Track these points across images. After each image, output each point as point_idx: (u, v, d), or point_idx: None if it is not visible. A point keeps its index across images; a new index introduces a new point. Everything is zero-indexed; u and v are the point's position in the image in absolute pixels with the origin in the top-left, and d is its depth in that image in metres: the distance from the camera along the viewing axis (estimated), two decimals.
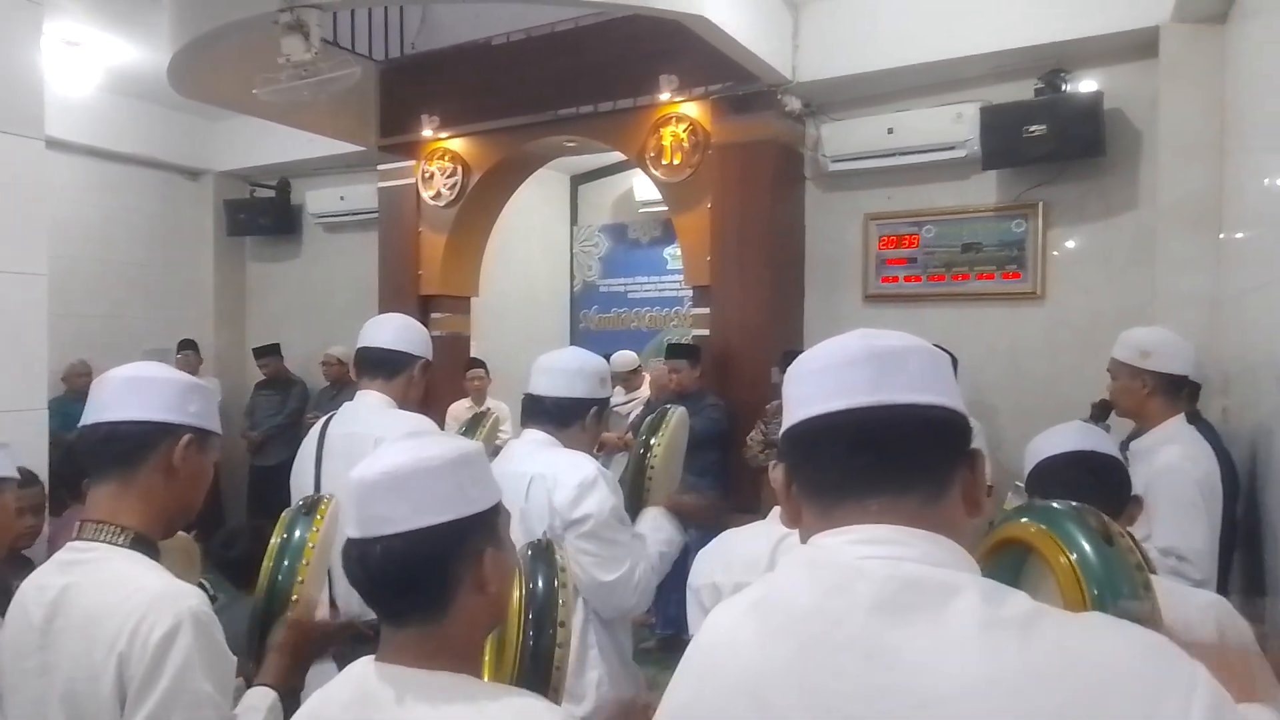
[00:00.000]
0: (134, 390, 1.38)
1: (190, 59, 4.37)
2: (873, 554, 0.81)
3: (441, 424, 5.69)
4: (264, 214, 7.18)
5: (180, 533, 1.64)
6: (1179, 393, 2.58)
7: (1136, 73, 4.11)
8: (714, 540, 1.82)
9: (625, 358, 6.09)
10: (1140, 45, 3.97)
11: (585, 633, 1.98)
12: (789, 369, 0.93)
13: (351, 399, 2.37)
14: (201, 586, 2.69)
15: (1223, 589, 2.64)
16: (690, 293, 5.51)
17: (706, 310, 5.06)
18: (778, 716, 0.80)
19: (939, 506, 0.84)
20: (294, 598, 1.50)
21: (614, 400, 6.01)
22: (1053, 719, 0.70)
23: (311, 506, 1.61)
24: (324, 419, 2.39)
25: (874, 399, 0.83)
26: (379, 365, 2.32)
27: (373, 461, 1.06)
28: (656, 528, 2.16)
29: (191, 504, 1.45)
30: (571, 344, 7.65)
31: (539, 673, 1.33)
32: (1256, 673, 1.04)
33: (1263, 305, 2.81)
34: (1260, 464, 2.76)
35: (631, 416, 5.55)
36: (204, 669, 1.23)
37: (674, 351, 4.97)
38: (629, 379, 6.10)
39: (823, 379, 0.86)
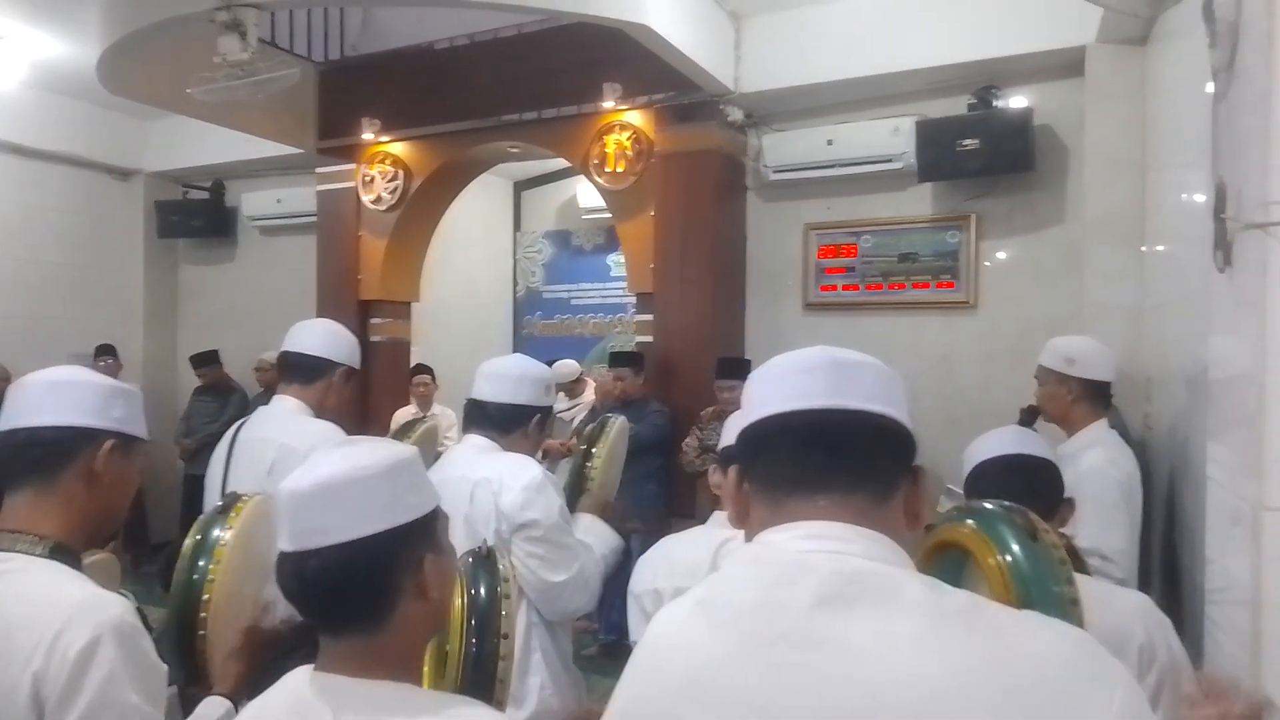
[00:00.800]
0: (54, 394, 1.33)
1: (121, 56, 4.24)
2: (818, 549, 0.83)
3: (386, 431, 5.61)
4: (197, 216, 6.99)
5: (99, 552, 1.59)
6: (1102, 399, 2.68)
7: (1064, 91, 4.26)
8: (654, 546, 1.83)
9: (567, 367, 6.08)
10: (1068, 64, 4.12)
11: (528, 637, 1.98)
12: (751, 374, 0.97)
13: None
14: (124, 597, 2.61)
15: (1143, 586, 2.75)
16: (634, 300, 5.53)
17: (650, 317, 5.08)
18: (724, 712, 0.81)
19: (882, 510, 0.87)
20: (205, 598, 1.47)
21: (557, 407, 6.00)
22: (991, 707, 0.72)
23: (227, 506, 1.59)
24: (237, 424, 2.35)
25: (831, 402, 0.87)
26: (297, 370, 2.29)
27: (305, 472, 1.04)
28: (593, 533, 2.17)
29: (115, 512, 1.40)
30: (514, 350, 7.65)
31: (482, 682, 1.32)
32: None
33: (1181, 316, 2.93)
34: (1177, 467, 2.88)
35: (575, 422, 5.55)
36: (131, 681, 1.18)
37: (618, 359, 4.99)
38: (572, 387, 6.10)
39: (783, 384, 0.91)
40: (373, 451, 1.07)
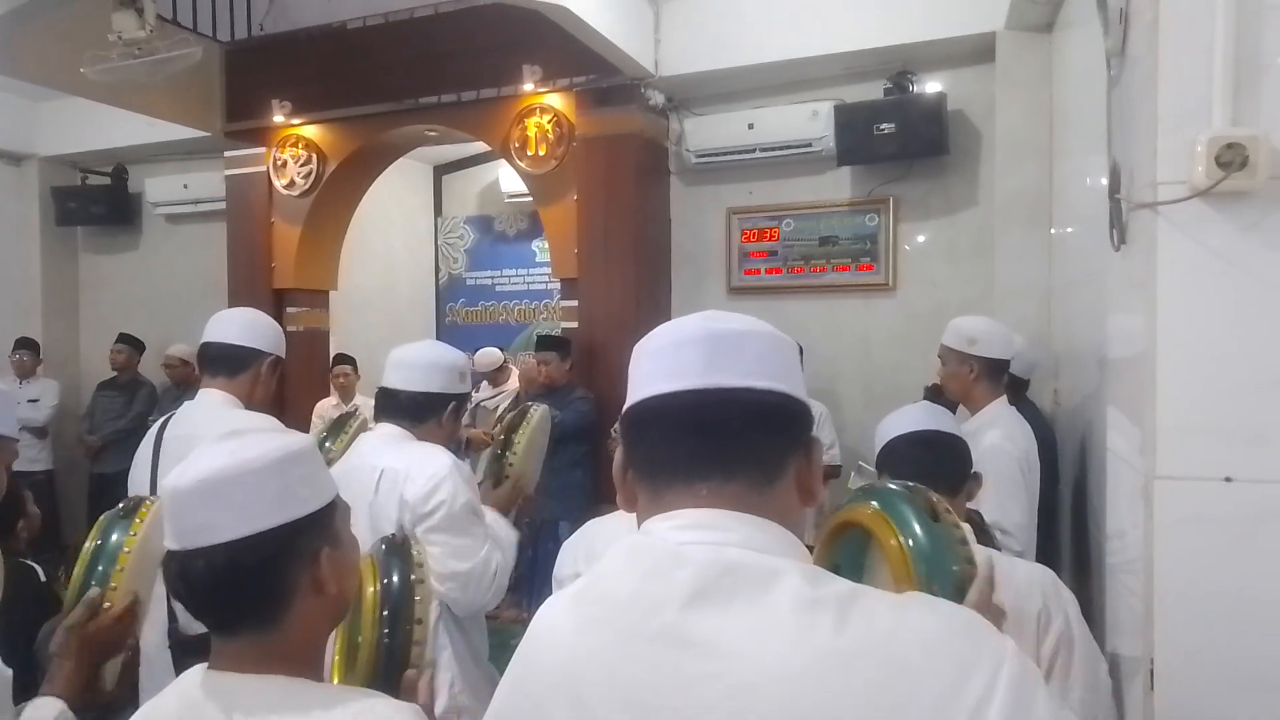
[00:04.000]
0: None
1: (8, 32, 4.00)
2: (696, 539, 0.80)
3: (306, 424, 5.46)
4: (97, 202, 6.65)
5: None
6: (1001, 377, 2.76)
7: (976, 76, 4.36)
8: (578, 531, 1.82)
9: (490, 356, 6.02)
10: (979, 50, 4.21)
11: (437, 633, 1.94)
12: (636, 346, 0.91)
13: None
14: (32, 569, 2.47)
15: (1045, 559, 2.85)
16: (559, 285, 5.49)
17: (575, 303, 5.05)
18: (591, 710, 0.78)
19: (770, 492, 0.83)
20: (106, 605, 1.40)
21: (480, 395, 5.93)
22: (864, 698, 0.70)
23: (131, 509, 1.51)
24: (161, 420, 2.24)
25: (705, 382, 0.82)
26: (222, 362, 2.19)
27: (187, 467, 0.99)
28: (495, 525, 2.14)
29: None
30: (438, 338, 7.54)
31: (395, 670, 1.29)
32: None
33: (1085, 296, 3.03)
34: (1084, 442, 2.98)
35: (500, 410, 5.49)
36: None
37: (543, 344, 4.95)
38: (495, 374, 6.03)
39: (659, 359, 0.86)
40: (260, 444, 1.02)
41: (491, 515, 2.16)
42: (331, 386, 5.81)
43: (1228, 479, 1.22)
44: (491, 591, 1.99)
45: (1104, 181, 1.63)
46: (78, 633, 1.37)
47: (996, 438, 2.55)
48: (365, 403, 5.31)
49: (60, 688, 1.31)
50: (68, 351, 6.95)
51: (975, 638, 0.74)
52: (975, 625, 0.76)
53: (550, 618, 0.87)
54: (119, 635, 1.44)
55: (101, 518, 1.54)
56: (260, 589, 0.99)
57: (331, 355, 6.02)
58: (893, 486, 1.17)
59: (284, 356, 2.30)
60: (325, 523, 1.05)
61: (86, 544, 1.48)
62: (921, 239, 4.65)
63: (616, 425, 0.93)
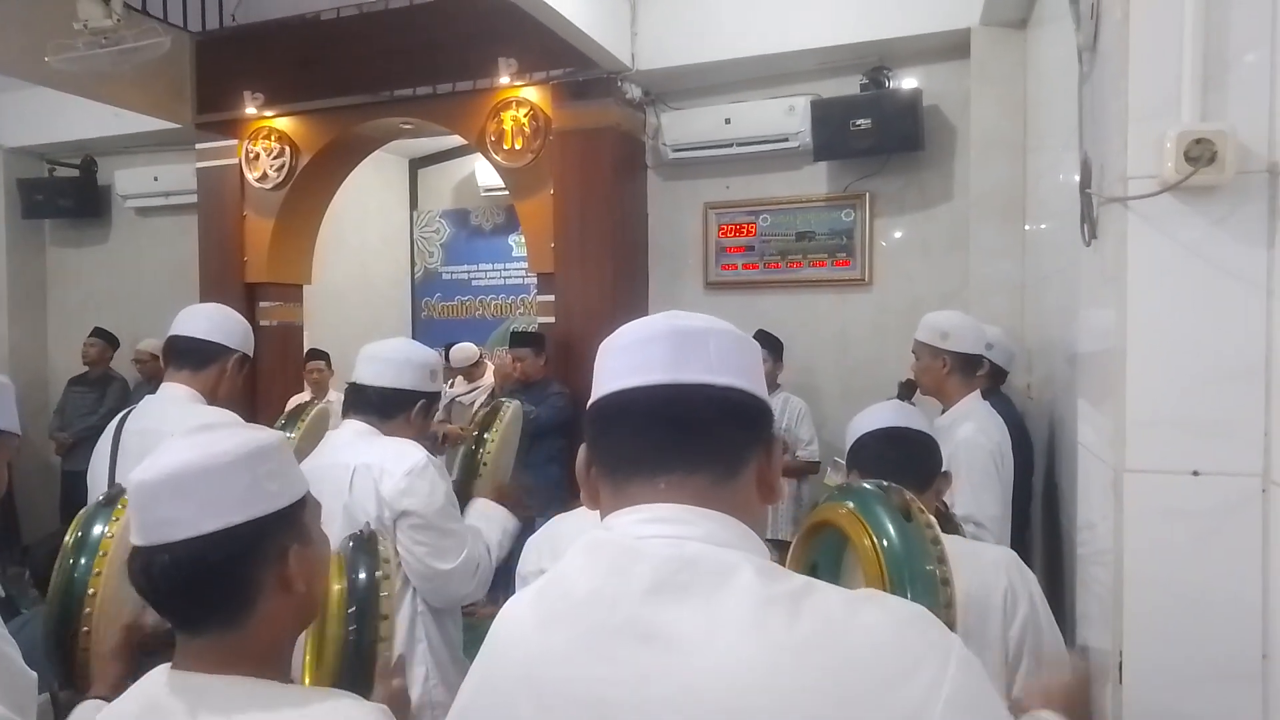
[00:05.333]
0: None
1: None
2: (656, 533, 0.80)
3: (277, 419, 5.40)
4: (65, 195, 6.54)
5: None
6: (974, 371, 2.78)
7: (951, 72, 4.38)
8: (543, 527, 1.80)
9: (465, 351, 5.98)
10: (954, 46, 4.23)
11: (414, 626, 1.93)
12: (602, 344, 0.92)
13: None
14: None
15: (1020, 550, 2.87)
16: (535, 280, 5.46)
17: (551, 298, 5.02)
18: (552, 707, 0.78)
19: (730, 488, 0.84)
20: (90, 592, 1.38)
21: (456, 390, 5.90)
22: (815, 690, 0.70)
23: (111, 499, 1.49)
24: (121, 415, 2.20)
25: (669, 377, 0.83)
26: (186, 355, 2.16)
27: (154, 460, 0.97)
28: (487, 518, 2.12)
29: None
30: (414, 333, 7.48)
31: (362, 668, 1.28)
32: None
33: (1057, 290, 3.06)
34: (1055, 434, 3.01)
35: (475, 406, 5.46)
36: None
37: (518, 339, 4.92)
38: (471, 370, 6.00)
39: (625, 356, 0.87)
40: (228, 438, 1.01)
41: (483, 505, 2.15)
42: (305, 382, 5.75)
43: (1195, 472, 1.23)
44: (475, 583, 1.98)
45: (1076, 177, 1.64)
46: (130, 634, 1.36)
47: (970, 431, 2.57)
48: (338, 398, 5.26)
49: (107, 689, 1.30)
50: (35, 346, 6.83)
51: (923, 632, 0.75)
52: (924, 620, 0.77)
53: (513, 614, 0.87)
54: (169, 636, 1.43)
55: (81, 511, 1.52)
56: (226, 586, 0.98)
57: (305, 350, 5.96)
58: (868, 487, 1.18)
59: (251, 355, 2.28)
60: (294, 519, 1.03)
61: (67, 538, 1.47)
62: (897, 234, 4.67)
63: None
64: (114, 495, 1.52)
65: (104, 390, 6.10)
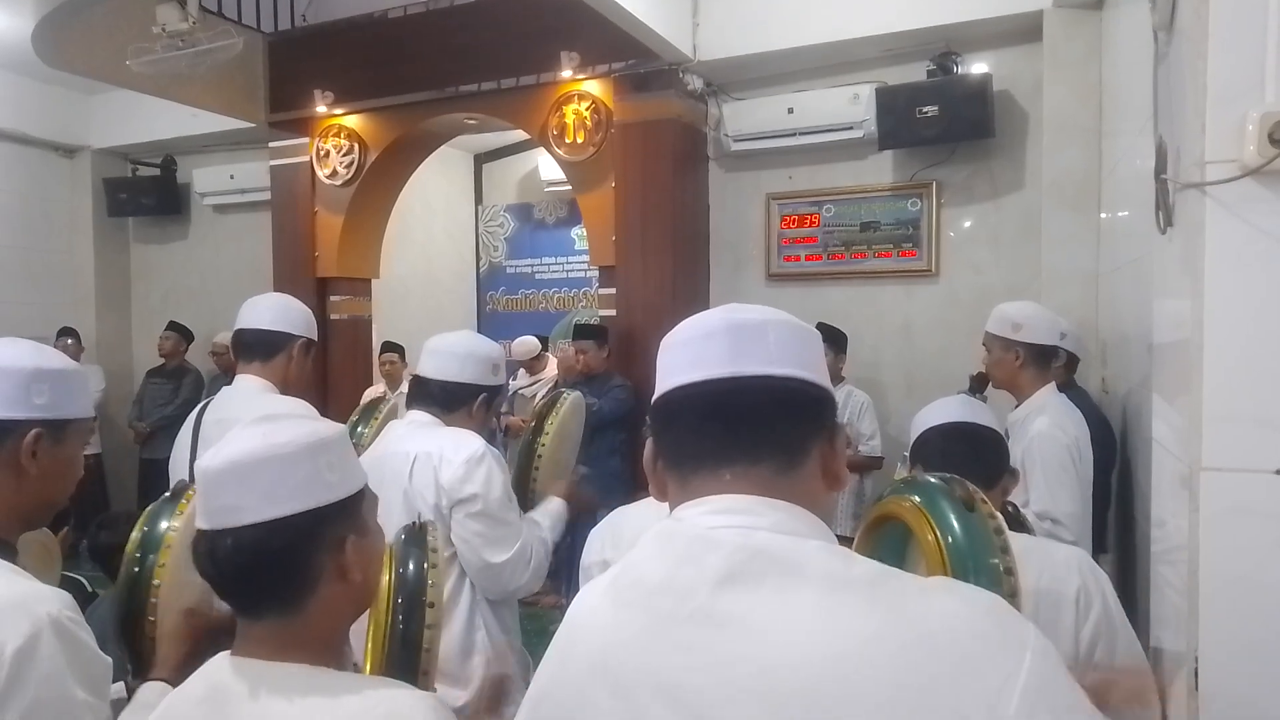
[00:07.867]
0: None
1: (57, 26, 4.11)
2: (726, 524, 0.81)
3: (350, 411, 5.52)
4: (147, 194, 6.81)
5: (45, 529, 1.54)
6: (1049, 363, 2.69)
7: (1022, 56, 4.24)
8: (606, 518, 1.81)
9: (526, 344, 6.05)
10: (1025, 29, 4.10)
11: (472, 616, 1.95)
12: (661, 342, 0.93)
13: None
14: (79, 582, 2.52)
15: (1100, 548, 2.78)
16: (597, 273, 5.49)
17: (613, 291, 5.03)
18: (629, 693, 0.79)
19: (793, 477, 0.84)
20: (155, 583, 1.42)
21: (519, 383, 5.97)
22: (890, 678, 0.70)
23: (177, 494, 1.54)
24: (201, 405, 2.28)
25: (728, 370, 0.84)
26: (254, 347, 2.23)
27: (220, 448, 1.01)
28: (549, 513, 2.14)
29: (53, 499, 1.34)
30: (478, 326, 7.59)
31: (408, 657, 1.30)
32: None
33: (1134, 280, 2.95)
34: (1131, 429, 2.91)
35: (537, 399, 5.51)
36: (75, 675, 1.14)
37: (580, 332, 4.95)
38: (533, 363, 6.06)
39: (684, 351, 0.88)
40: (292, 429, 1.04)
41: (558, 505, 2.18)
42: (379, 374, 5.88)
43: (1278, 471, 1.17)
44: (529, 575, 2.00)
45: (1151, 162, 1.58)
46: (192, 619, 1.39)
47: (1045, 425, 2.49)
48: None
49: (169, 671, 1.33)
50: (119, 340, 7.13)
51: (999, 620, 0.75)
52: (1002, 611, 0.76)
53: (587, 603, 0.90)
54: (233, 623, 1.48)
55: (149, 507, 1.56)
56: (286, 572, 1.00)
57: (375, 343, 6.10)
58: (932, 480, 1.16)
59: (315, 339, 2.33)
60: (352, 510, 1.06)
61: (134, 533, 1.51)
62: (965, 224, 4.56)
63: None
64: (179, 490, 1.56)
65: (179, 382, 6.33)
